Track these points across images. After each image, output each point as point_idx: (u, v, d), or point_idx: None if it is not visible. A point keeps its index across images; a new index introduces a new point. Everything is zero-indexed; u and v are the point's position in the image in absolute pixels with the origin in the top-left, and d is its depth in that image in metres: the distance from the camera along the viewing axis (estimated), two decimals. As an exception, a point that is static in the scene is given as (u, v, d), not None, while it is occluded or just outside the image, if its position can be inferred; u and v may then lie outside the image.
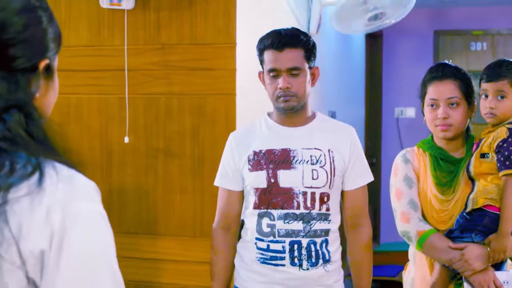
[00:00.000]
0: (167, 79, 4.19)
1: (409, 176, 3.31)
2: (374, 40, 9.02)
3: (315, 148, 3.20)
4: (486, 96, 3.18)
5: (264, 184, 3.19)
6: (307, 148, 3.20)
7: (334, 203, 3.23)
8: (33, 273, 1.28)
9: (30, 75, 1.43)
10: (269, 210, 3.18)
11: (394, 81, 9.20)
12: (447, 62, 3.36)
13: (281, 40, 3.16)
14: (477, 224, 3.10)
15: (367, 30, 5.59)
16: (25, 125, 1.36)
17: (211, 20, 4.10)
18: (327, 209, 3.19)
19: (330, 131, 3.28)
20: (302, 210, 3.15)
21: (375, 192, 8.50)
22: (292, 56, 3.15)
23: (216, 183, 3.39)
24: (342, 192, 3.29)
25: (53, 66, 1.51)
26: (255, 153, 3.23)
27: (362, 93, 8.57)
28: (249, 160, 3.23)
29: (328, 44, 6.44)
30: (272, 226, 3.18)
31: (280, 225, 3.16)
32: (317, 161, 3.18)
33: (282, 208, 3.16)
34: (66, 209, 1.30)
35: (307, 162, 3.18)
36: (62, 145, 1.41)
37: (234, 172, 3.29)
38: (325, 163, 3.19)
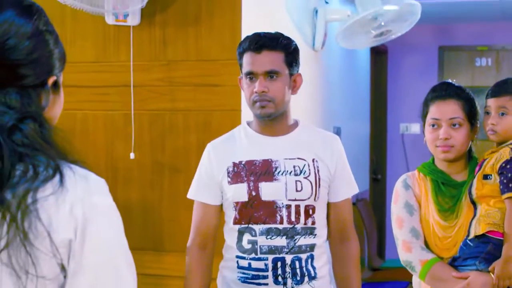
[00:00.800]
0: (173, 95, 4.20)
1: (410, 203, 3.19)
2: (379, 56, 9.03)
3: (299, 158, 3.03)
4: (488, 113, 3.13)
5: (245, 198, 2.99)
6: (290, 158, 3.02)
7: (320, 216, 3.07)
8: (63, 259, 1.51)
9: (40, 90, 1.63)
10: (250, 225, 2.99)
11: (399, 96, 9.20)
12: (450, 81, 3.29)
13: (258, 41, 3.00)
14: (480, 251, 2.99)
15: (372, 44, 5.60)
16: (40, 133, 1.55)
17: (216, 37, 4.11)
18: (313, 223, 3.02)
19: (314, 140, 3.11)
20: (285, 224, 2.97)
21: (380, 207, 8.48)
22: (270, 59, 2.98)
23: (190, 195, 3.21)
24: (328, 204, 3.13)
25: (59, 82, 1.71)
26: (234, 164, 3.04)
27: (367, 109, 8.57)
28: (228, 172, 3.04)
29: (333, 60, 6.45)
30: (253, 243, 2.99)
31: (262, 241, 2.98)
32: (301, 172, 3.01)
33: (264, 223, 2.97)
34: (85, 204, 1.53)
35: (290, 173, 3.00)
36: (69, 149, 1.62)
37: (211, 185, 3.10)
38: (310, 173, 3.01)
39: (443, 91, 3.18)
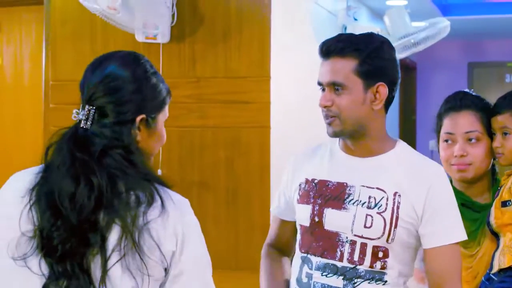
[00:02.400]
0: (202, 112, 4.21)
1: None
2: (408, 72, 9.02)
3: (377, 188, 2.47)
4: (494, 134, 2.75)
5: (306, 222, 2.54)
6: (367, 187, 2.48)
7: (396, 262, 2.47)
8: (167, 265, 1.93)
9: (130, 125, 1.98)
10: (308, 256, 2.53)
11: (428, 113, 9.14)
12: (467, 90, 2.92)
13: (327, 45, 2.49)
14: (507, 287, 2.58)
15: (400, 56, 5.60)
16: (127, 158, 1.93)
17: (245, 54, 4.12)
18: (383, 267, 2.45)
19: (403, 169, 2.50)
20: (345, 263, 2.46)
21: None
22: (334, 68, 2.45)
23: (271, 209, 2.83)
24: (424, 251, 2.52)
25: (153, 119, 2.05)
26: (307, 181, 2.58)
27: (396, 126, 8.55)
28: (300, 189, 2.60)
29: (362, 76, 6.42)
30: (309, 277, 2.53)
31: (317, 277, 2.50)
32: (375, 205, 2.46)
33: (321, 256, 2.49)
34: (183, 223, 1.96)
35: (363, 204, 2.46)
36: (155, 173, 2.02)
37: (287, 200, 2.68)
38: (386, 209, 2.44)
39: (457, 101, 2.80)
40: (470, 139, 2.73)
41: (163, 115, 2.11)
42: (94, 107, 1.95)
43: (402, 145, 2.59)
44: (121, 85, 1.98)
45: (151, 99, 2.05)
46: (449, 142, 2.77)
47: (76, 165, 1.87)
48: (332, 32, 5.28)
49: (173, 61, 4.27)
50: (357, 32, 2.58)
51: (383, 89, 2.46)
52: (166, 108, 2.13)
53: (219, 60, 4.19)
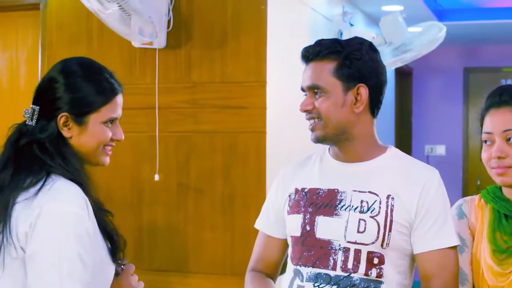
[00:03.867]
0: (198, 117, 4.21)
1: (461, 236, 2.45)
2: (404, 77, 9.02)
3: (370, 192, 2.38)
4: (486, 142, 2.48)
5: (297, 232, 2.43)
6: (359, 191, 2.39)
7: (393, 270, 2.35)
8: (23, 246, 2.02)
9: (53, 123, 2.18)
10: (298, 267, 2.41)
11: (424, 118, 9.18)
12: (510, 84, 2.60)
13: (306, 50, 2.47)
14: None
15: (396, 65, 5.60)
16: (45, 151, 2.13)
17: (241, 59, 4.13)
18: (379, 275, 2.33)
19: (396, 172, 2.42)
20: (338, 271, 2.33)
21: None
22: (314, 72, 2.42)
23: (256, 225, 2.70)
24: (415, 257, 2.40)
25: (81, 118, 2.18)
26: (296, 191, 2.49)
27: (392, 130, 8.55)
28: (290, 200, 2.50)
29: (358, 81, 6.43)
30: None
31: None
32: (368, 209, 2.35)
33: (313, 266, 2.37)
34: (45, 207, 2.02)
35: (355, 208, 2.36)
36: (78, 167, 2.17)
37: (276, 214, 2.56)
38: (379, 212, 2.34)
39: (496, 97, 2.45)
40: (508, 139, 2.38)
41: (100, 115, 2.21)
42: (34, 107, 2.19)
43: (393, 151, 2.52)
44: (48, 86, 2.19)
45: (78, 100, 2.17)
46: (488, 142, 2.43)
47: (2, 155, 2.17)
48: (328, 38, 5.30)
49: (169, 66, 4.27)
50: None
51: (364, 91, 2.40)
52: (106, 108, 2.22)
53: (215, 66, 4.19)
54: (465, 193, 8.06)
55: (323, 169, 2.50)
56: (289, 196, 2.51)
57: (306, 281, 2.37)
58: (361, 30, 5.99)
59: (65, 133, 2.17)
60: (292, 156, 4.40)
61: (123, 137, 2.31)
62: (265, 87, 4.08)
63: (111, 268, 2.20)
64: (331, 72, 2.39)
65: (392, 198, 2.36)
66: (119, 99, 2.28)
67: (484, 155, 2.44)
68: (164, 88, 4.27)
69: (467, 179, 8.86)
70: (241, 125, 4.13)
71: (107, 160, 2.31)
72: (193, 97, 4.23)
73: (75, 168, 2.16)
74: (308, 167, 2.55)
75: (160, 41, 4.16)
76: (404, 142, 9.01)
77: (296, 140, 4.33)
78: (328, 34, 5.25)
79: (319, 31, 5.04)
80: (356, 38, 2.50)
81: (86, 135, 2.20)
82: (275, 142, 4.17)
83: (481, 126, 2.48)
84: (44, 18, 4.54)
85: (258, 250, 2.65)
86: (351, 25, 5.60)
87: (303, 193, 2.47)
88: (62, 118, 2.16)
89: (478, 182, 8.60)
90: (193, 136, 4.23)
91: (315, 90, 2.41)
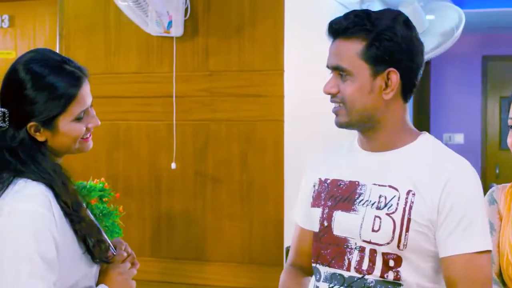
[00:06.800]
0: (215, 106, 4.21)
1: (490, 221, 2.34)
2: (421, 65, 8.98)
3: (390, 186, 2.12)
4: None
5: (316, 227, 2.23)
6: (379, 185, 2.14)
7: (413, 273, 2.11)
8: None
9: (23, 130, 2.11)
10: (317, 265, 2.22)
11: (442, 106, 9.14)
12: None
13: (333, 24, 2.17)
14: None
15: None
16: (16, 157, 2.08)
17: (259, 47, 4.12)
18: (397, 278, 2.09)
19: (423, 162, 2.15)
20: (352, 272, 2.13)
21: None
22: (339, 50, 2.13)
23: (293, 214, 2.48)
24: (440, 261, 2.11)
25: (49, 123, 2.11)
26: (320, 181, 2.28)
27: (410, 119, 8.52)
28: (313, 191, 2.29)
29: (375, 70, 6.41)
30: None
31: None
32: (385, 205, 2.11)
33: (329, 265, 2.18)
34: (3, 207, 1.98)
35: (373, 204, 2.12)
36: (51, 171, 2.09)
37: (306, 204, 2.33)
38: (396, 209, 2.08)
39: None
40: None
41: (69, 114, 2.13)
42: (4, 110, 2.12)
43: (424, 138, 2.24)
44: (12, 94, 2.11)
45: (42, 107, 2.10)
46: None
47: None
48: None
49: (186, 55, 4.27)
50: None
51: (395, 76, 2.11)
52: (72, 105, 2.12)
53: (232, 54, 4.18)
54: (483, 182, 8.02)
55: (348, 159, 2.26)
56: (314, 186, 2.30)
57: (322, 281, 2.21)
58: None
59: (39, 138, 2.12)
60: (310, 145, 4.40)
61: (99, 123, 2.22)
62: (282, 75, 4.07)
63: (87, 267, 2.14)
64: (358, 54, 2.09)
65: (413, 194, 2.08)
66: (85, 88, 2.15)
67: (509, 140, 2.35)
68: (181, 77, 4.27)
69: (485, 167, 8.82)
70: (259, 113, 4.12)
71: (89, 146, 2.24)
72: (210, 86, 4.22)
73: (47, 172, 2.09)
74: (334, 155, 2.31)
75: (177, 30, 4.16)
76: (422, 131, 8.97)
77: (314, 128, 4.32)
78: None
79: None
80: (389, 12, 2.18)
81: (59, 136, 2.14)
82: (293, 131, 4.16)
83: (508, 111, 2.38)
84: (62, 7, 4.54)
85: (294, 242, 2.43)
86: (370, 13, 5.57)
87: (325, 184, 2.25)
88: (31, 127, 2.10)
89: (497, 170, 8.57)
90: (210, 125, 4.23)
91: (341, 72, 2.12)
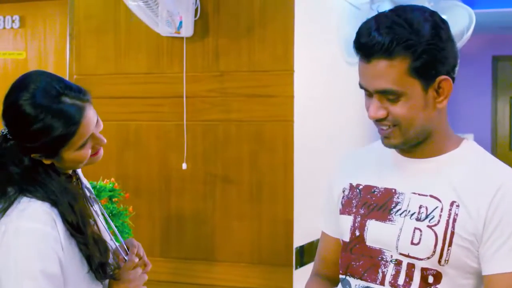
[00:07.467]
0: (225, 106, 4.21)
1: None
2: (431, 66, 8.97)
3: (431, 196, 1.98)
4: None
5: (346, 237, 2.12)
6: (419, 194, 2.01)
7: None
8: None
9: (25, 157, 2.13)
10: (347, 277, 2.11)
11: (452, 107, 9.12)
12: None
13: (365, 43, 1.95)
14: None
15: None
16: (23, 177, 2.10)
17: (269, 47, 4.12)
18: None
19: (467, 172, 2.00)
20: (386, 287, 2.00)
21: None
22: (381, 72, 1.92)
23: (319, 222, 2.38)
24: (483, 279, 1.97)
25: (52, 156, 2.13)
26: (351, 187, 2.16)
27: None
28: (343, 197, 2.18)
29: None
30: None
31: None
32: (426, 217, 1.97)
33: (361, 278, 2.06)
34: (9, 224, 2.00)
35: (412, 215, 1.99)
36: (58, 192, 2.09)
37: (333, 209, 2.22)
38: (439, 221, 1.95)
39: None
40: None
41: (72, 145, 2.12)
42: (7, 132, 2.14)
43: (468, 145, 2.09)
44: (17, 125, 2.09)
45: (45, 144, 2.09)
46: None
47: None
48: (355, 26, 5.26)
49: (196, 55, 4.27)
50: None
51: (447, 83, 2.00)
52: (75, 138, 2.11)
53: (242, 54, 4.18)
54: (493, 182, 7.98)
55: (384, 163, 2.12)
56: (343, 191, 2.18)
57: None
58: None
59: (45, 161, 2.14)
60: (319, 145, 4.40)
61: (105, 141, 2.21)
62: (292, 76, 4.07)
63: (94, 284, 2.17)
64: (406, 71, 1.91)
65: (457, 206, 1.94)
66: (87, 116, 2.11)
67: None
68: (191, 77, 4.27)
69: (495, 168, 8.85)
70: (269, 114, 4.12)
71: (99, 157, 2.25)
72: (220, 86, 4.22)
73: (53, 193, 2.09)
74: (367, 158, 2.19)
75: (187, 30, 4.16)
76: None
77: (324, 129, 4.32)
78: (355, 22, 5.22)
79: (346, 19, 5.02)
80: (420, 12, 1.97)
81: (65, 162, 2.16)
82: (303, 131, 4.16)
83: None
84: (72, 7, 4.55)
85: (319, 250, 2.34)
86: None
87: (357, 190, 2.12)
88: (36, 156, 2.12)
89: (507, 171, 8.57)
90: (221, 125, 4.23)
91: (388, 96, 1.95)
